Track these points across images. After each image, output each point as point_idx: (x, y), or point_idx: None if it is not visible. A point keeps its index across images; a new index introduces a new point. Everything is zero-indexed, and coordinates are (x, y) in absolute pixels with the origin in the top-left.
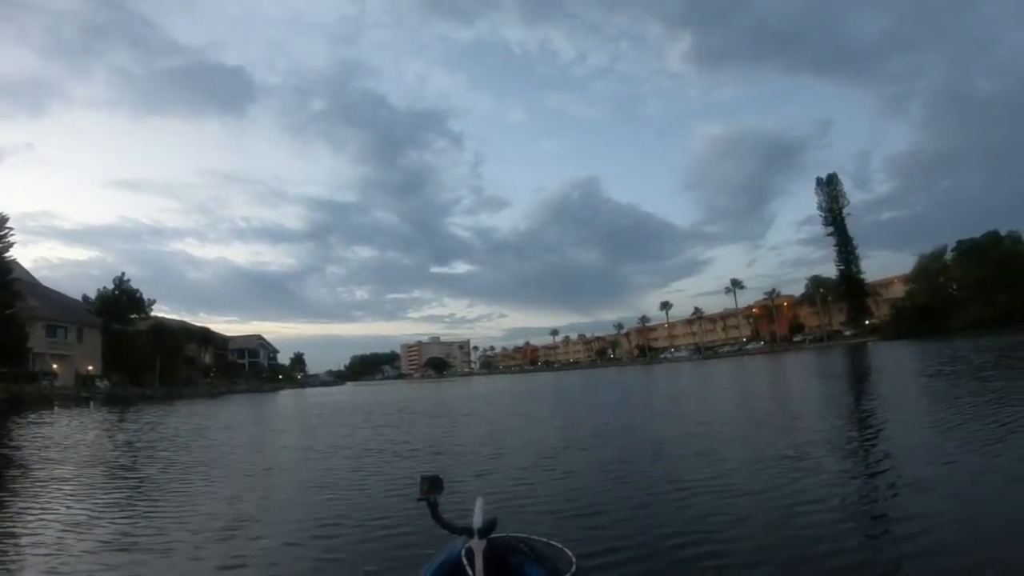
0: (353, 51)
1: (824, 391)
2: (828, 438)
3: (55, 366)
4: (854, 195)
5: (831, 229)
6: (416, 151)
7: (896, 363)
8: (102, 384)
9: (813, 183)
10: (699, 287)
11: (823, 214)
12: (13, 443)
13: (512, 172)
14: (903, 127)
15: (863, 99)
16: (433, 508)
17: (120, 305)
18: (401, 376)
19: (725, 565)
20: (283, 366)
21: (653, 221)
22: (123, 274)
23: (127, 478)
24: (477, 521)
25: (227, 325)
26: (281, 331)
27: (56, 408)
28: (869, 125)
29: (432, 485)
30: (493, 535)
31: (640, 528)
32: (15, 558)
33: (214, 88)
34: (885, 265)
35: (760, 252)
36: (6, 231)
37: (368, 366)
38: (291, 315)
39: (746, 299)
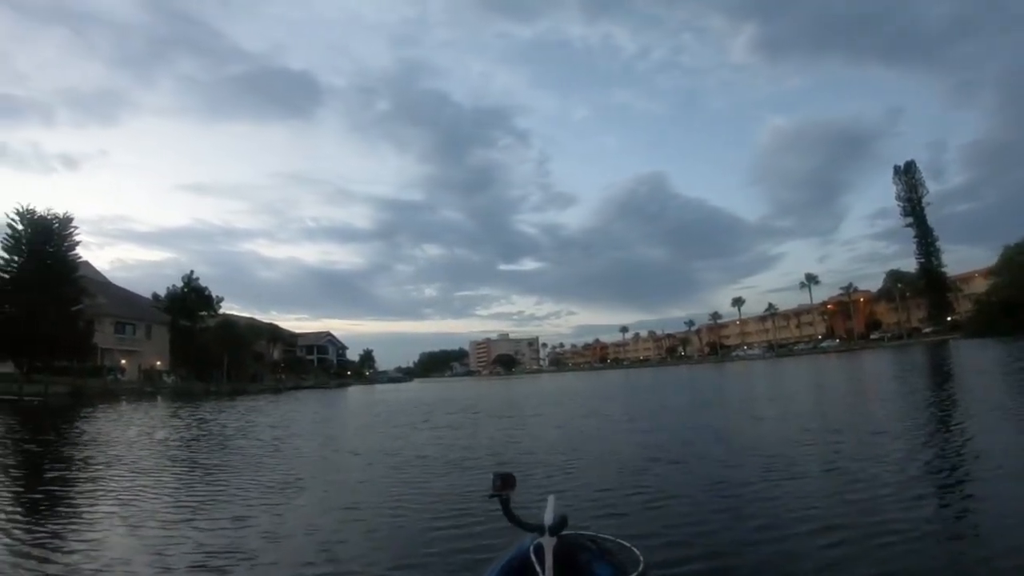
0: (416, 51)
1: (914, 394)
2: (927, 450)
3: (123, 361)
4: (928, 187)
5: (910, 220)
6: (482, 149)
7: (986, 362)
8: (168, 379)
9: (885, 175)
10: (770, 283)
11: (901, 204)
12: (46, 436)
13: (578, 168)
14: (976, 115)
15: (933, 86)
16: (505, 504)
17: (189, 302)
18: (469, 373)
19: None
20: (352, 363)
21: (721, 216)
22: (192, 272)
23: (134, 482)
24: (548, 518)
25: (297, 323)
26: (350, 329)
27: (123, 402)
28: (941, 113)
29: (505, 482)
30: (563, 533)
31: (715, 537)
32: None
33: (280, 92)
34: (961, 259)
35: (832, 247)
36: (71, 231)
37: (437, 363)
38: (360, 313)
39: (819, 295)
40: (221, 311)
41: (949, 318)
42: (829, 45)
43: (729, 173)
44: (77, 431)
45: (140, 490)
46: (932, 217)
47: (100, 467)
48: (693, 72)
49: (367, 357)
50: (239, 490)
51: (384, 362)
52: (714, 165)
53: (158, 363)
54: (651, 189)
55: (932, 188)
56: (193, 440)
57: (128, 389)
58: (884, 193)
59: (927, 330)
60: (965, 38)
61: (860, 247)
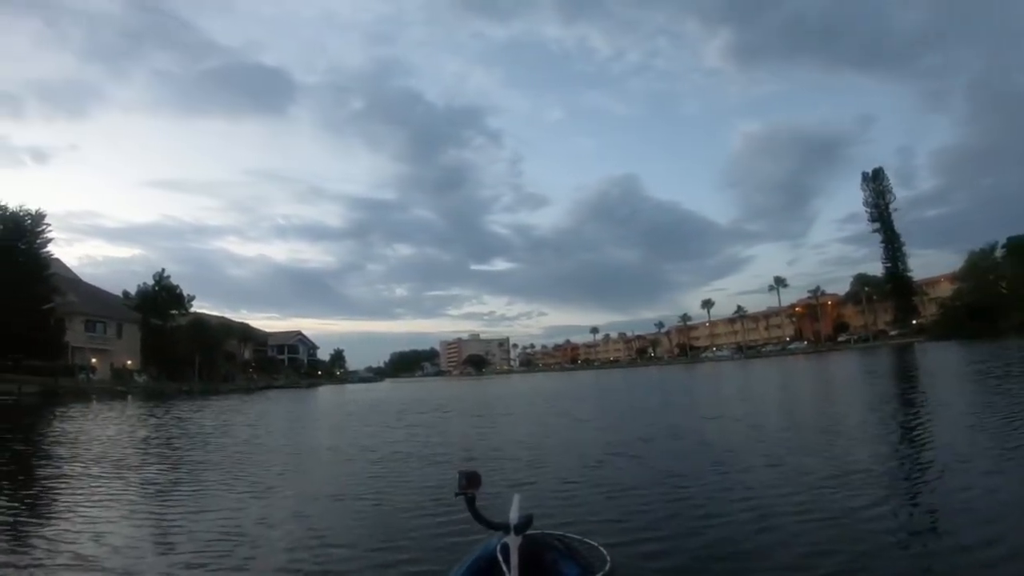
0: (390, 50)
1: (876, 394)
2: (883, 446)
3: (94, 360)
4: (897, 192)
5: (877, 226)
6: (455, 149)
7: (949, 364)
8: (140, 379)
9: (855, 180)
10: (740, 286)
11: (869, 210)
12: (22, 437)
13: (551, 170)
14: (945, 122)
15: (904, 94)
16: (471, 504)
17: (160, 301)
18: (440, 373)
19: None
20: (323, 362)
21: (693, 219)
22: (163, 270)
23: (126, 478)
24: (513, 517)
25: (267, 321)
26: (321, 328)
27: (94, 401)
28: (911, 121)
29: (470, 481)
30: (529, 532)
31: (679, 533)
32: None
33: (253, 88)
34: (928, 264)
35: (801, 251)
36: (43, 227)
37: (408, 363)
38: (331, 312)
39: (789, 298)
40: (192, 310)
41: (915, 321)
42: (802, 51)
43: (702, 176)
44: (55, 431)
45: (116, 491)
46: (901, 222)
47: (80, 466)
48: (667, 76)
49: (338, 357)
50: (216, 489)
51: (355, 362)
52: (687, 168)
53: (129, 362)
54: (623, 191)
55: (902, 193)
56: (168, 440)
57: (99, 389)
58: (854, 198)
59: (893, 333)
60: (936, 46)
61: (829, 251)
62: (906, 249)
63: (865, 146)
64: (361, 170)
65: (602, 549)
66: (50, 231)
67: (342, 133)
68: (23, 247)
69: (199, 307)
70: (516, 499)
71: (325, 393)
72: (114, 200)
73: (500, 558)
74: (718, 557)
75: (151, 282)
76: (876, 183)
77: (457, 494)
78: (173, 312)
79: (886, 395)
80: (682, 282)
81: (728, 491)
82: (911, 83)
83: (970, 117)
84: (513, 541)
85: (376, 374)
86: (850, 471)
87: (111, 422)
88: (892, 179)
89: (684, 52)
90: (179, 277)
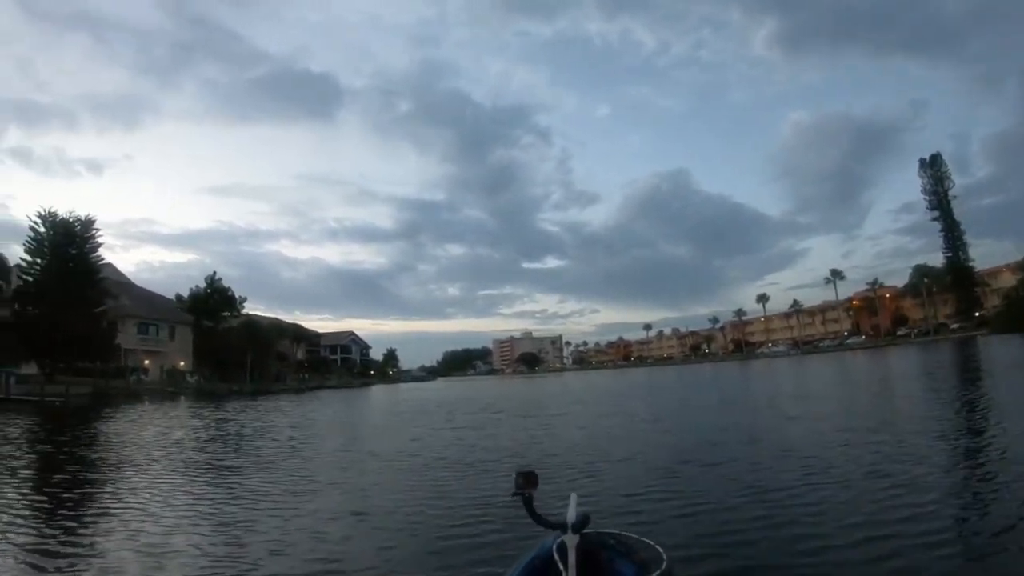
0: (435, 51)
1: (950, 392)
2: (972, 451)
3: (146, 362)
4: (953, 180)
5: (936, 214)
6: (503, 148)
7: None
8: (191, 379)
9: (909, 169)
10: (793, 280)
11: (927, 198)
12: (62, 437)
13: (600, 166)
14: (1000, 106)
15: (956, 78)
16: (528, 503)
17: (212, 303)
18: (492, 372)
19: None
20: (375, 362)
21: (744, 212)
22: (215, 273)
23: (150, 479)
24: (571, 517)
25: (320, 323)
26: (374, 328)
27: (145, 402)
28: (964, 106)
29: (527, 480)
30: (585, 531)
31: (745, 538)
32: None
33: (301, 94)
34: (986, 255)
35: (856, 242)
36: (92, 233)
37: (460, 362)
38: (384, 313)
39: (844, 291)
40: (244, 311)
41: (977, 314)
42: (850, 38)
43: (751, 168)
44: (94, 431)
45: (149, 491)
46: (957, 211)
47: (112, 468)
48: (713, 67)
49: (390, 356)
50: (251, 492)
51: (408, 361)
52: (736, 161)
53: (181, 363)
54: (673, 186)
55: (956, 181)
56: (210, 441)
57: (150, 390)
58: (908, 187)
59: (954, 326)
60: (988, 28)
61: (885, 242)
62: (965, 238)
63: (918, 133)
64: (410, 172)
65: (659, 548)
66: (100, 236)
67: (390, 135)
68: (73, 252)
69: (253, 309)
70: (573, 498)
71: (376, 393)
72: (168, 207)
73: (557, 557)
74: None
75: (204, 285)
76: (934, 169)
77: (514, 494)
78: (225, 314)
79: (961, 393)
80: (734, 277)
81: (825, 505)
82: (963, 67)
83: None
84: (571, 540)
85: (429, 373)
86: (976, 484)
87: (152, 423)
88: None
89: (729, 42)
90: (233, 280)
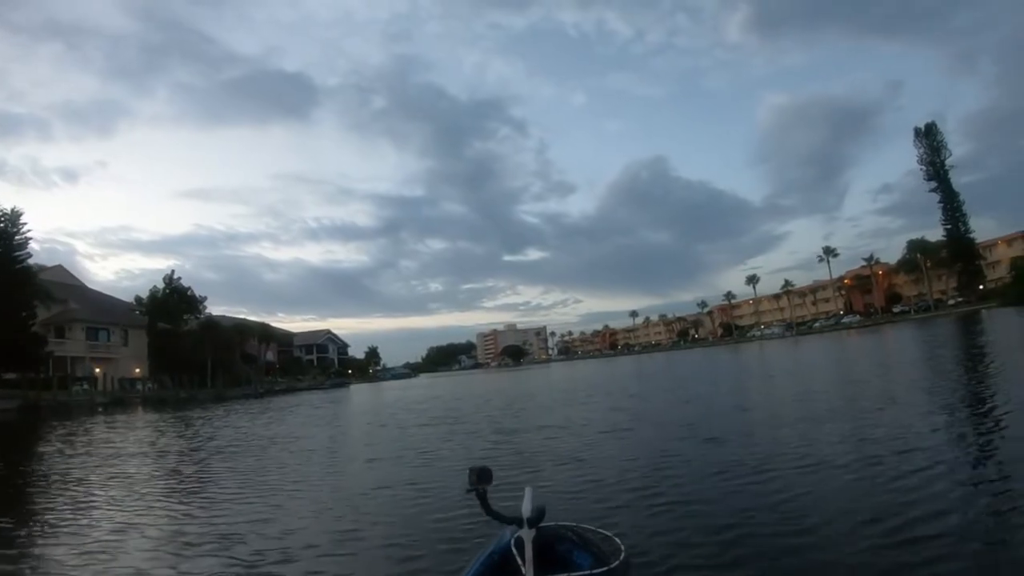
0: (409, 46)
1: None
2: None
3: (97, 370)
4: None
5: (933, 184)
6: (480, 141)
7: None
8: (142, 387)
9: (888, 150)
10: (775, 263)
11: (924, 168)
12: None
13: (578, 156)
14: (977, 85)
15: (933, 58)
16: (482, 499)
17: (170, 304)
18: (477, 366)
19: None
20: (357, 360)
21: (725, 197)
22: (172, 271)
23: None
24: (526, 510)
25: (304, 324)
26: (358, 327)
27: (76, 416)
28: (941, 85)
29: (481, 476)
30: (541, 524)
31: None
32: None
33: (276, 94)
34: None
35: (837, 224)
36: (19, 228)
37: (445, 357)
38: (367, 310)
39: (828, 272)
40: (211, 312)
41: (981, 287)
42: (826, 19)
43: (731, 154)
44: None
45: None
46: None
47: None
48: (689, 53)
49: (372, 354)
50: None
51: (392, 358)
52: (715, 146)
53: (137, 370)
54: (652, 174)
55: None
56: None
57: (91, 401)
58: (887, 168)
59: (951, 301)
60: (963, 6)
61: (865, 223)
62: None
63: (895, 113)
64: (388, 168)
65: (616, 539)
66: (28, 231)
67: (367, 133)
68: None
69: (237, 313)
70: (528, 492)
71: (344, 395)
72: (146, 213)
73: (515, 551)
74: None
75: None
76: (930, 138)
77: (468, 490)
78: (186, 316)
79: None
80: (717, 262)
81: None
82: (940, 46)
83: (1001, 78)
84: (527, 534)
85: (411, 370)
86: None
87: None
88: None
89: (705, 28)
90: (217, 284)
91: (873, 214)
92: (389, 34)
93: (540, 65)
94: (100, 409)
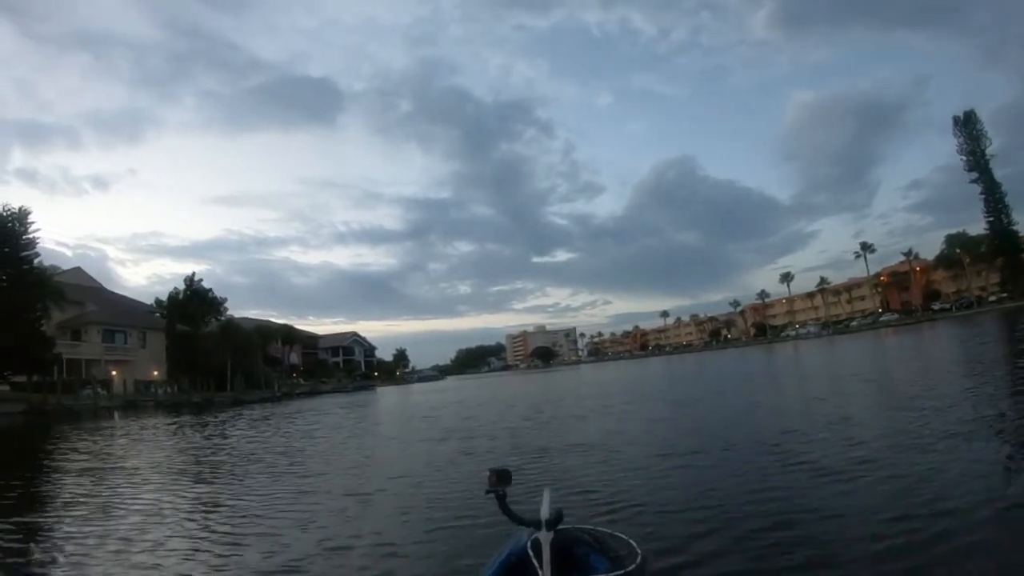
0: (433, 50)
1: None
2: None
3: (113, 372)
4: (957, 156)
5: (975, 175)
6: (506, 143)
7: None
8: (159, 391)
9: (916, 145)
10: (805, 262)
11: (964, 158)
12: None
13: (605, 156)
14: (1005, 77)
15: (959, 50)
16: (501, 500)
17: (190, 306)
18: (507, 367)
19: None
20: (385, 363)
21: (752, 196)
22: (193, 274)
23: None
24: (544, 513)
25: (334, 327)
26: (387, 329)
27: (84, 420)
28: (968, 79)
29: (500, 478)
30: (559, 527)
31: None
32: None
33: (302, 100)
34: None
35: (866, 222)
36: (27, 227)
37: (474, 359)
38: (396, 313)
39: (859, 271)
40: (233, 315)
41: None
42: (851, 14)
43: (757, 152)
44: None
45: None
46: (967, 185)
47: None
48: (714, 51)
49: (400, 356)
50: None
51: (421, 361)
52: (741, 145)
53: (155, 373)
54: (679, 173)
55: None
56: None
57: (103, 406)
58: (915, 164)
59: (992, 298)
60: None
61: (894, 220)
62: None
63: (923, 108)
64: (415, 171)
65: (632, 542)
66: (36, 231)
67: (393, 136)
68: (6, 250)
69: (268, 316)
70: (547, 494)
71: (366, 398)
72: (176, 219)
73: (531, 554)
74: None
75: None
76: (969, 127)
77: (488, 491)
78: (207, 318)
79: None
80: (746, 262)
81: None
82: (966, 39)
83: None
84: (545, 536)
85: (440, 372)
86: None
87: None
88: (954, 141)
89: (729, 25)
90: (244, 288)
91: (903, 211)
92: (412, 38)
93: (564, 66)
94: (107, 414)
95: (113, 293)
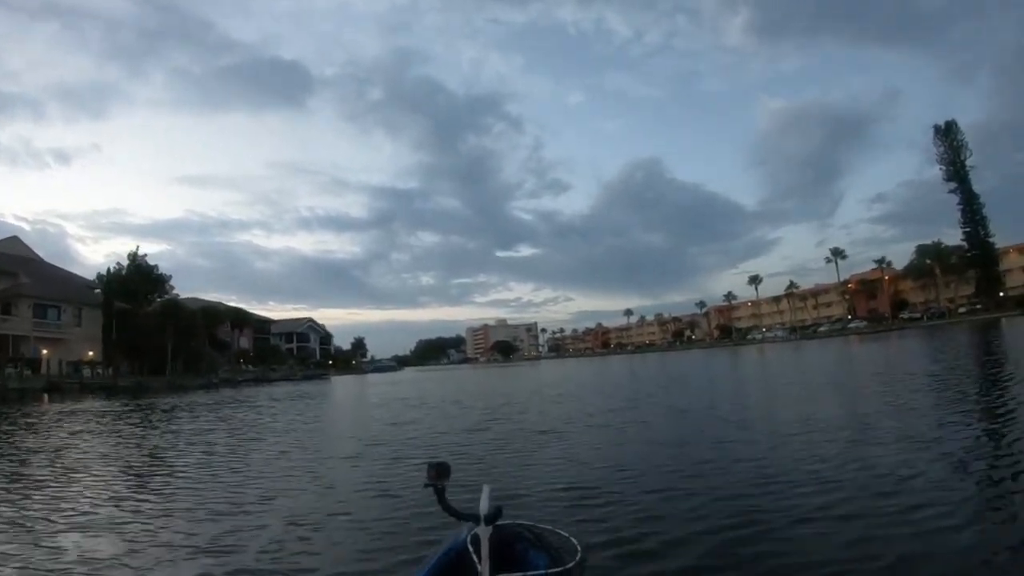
0: (407, 39)
1: None
2: None
3: (44, 351)
4: (926, 171)
5: (953, 185)
6: (475, 136)
7: None
8: (89, 372)
9: (883, 159)
10: (767, 268)
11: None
12: None
13: (574, 154)
14: (974, 96)
15: (931, 68)
16: (440, 495)
17: (133, 283)
18: (466, 360)
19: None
20: (342, 351)
21: (718, 200)
22: (137, 248)
23: None
24: (483, 508)
25: (295, 312)
26: (348, 318)
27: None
28: (939, 96)
29: (439, 472)
30: (498, 523)
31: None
32: None
33: (273, 82)
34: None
35: (829, 231)
36: None
37: (433, 350)
38: (358, 302)
39: (822, 278)
40: (188, 295)
41: (1001, 294)
42: (826, 25)
43: (726, 157)
44: None
45: None
46: (931, 200)
47: None
48: (688, 55)
49: (358, 345)
50: None
51: (381, 350)
52: (711, 149)
53: (90, 353)
54: (647, 174)
55: (931, 172)
56: None
57: (21, 388)
58: (881, 177)
59: (961, 309)
60: (963, 18)
61: (858, 231)
62: (933, 231)
63: (891, 123)
64: (383, 160)
65: (573, 540)
66: None
67: (363, 124)
68: None
69: (226, 300)
70: (486, 490)
71: (313, 389)
72: (139, 197)
73: (470, 548)
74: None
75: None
76: (950, 137)
77: (426, 485)
78: (150, 297)
79: None
80: (709, 265)
81: None
82: (938, 58)
83: (999, 90)
84: (483, 532)
85: (397, 362)
86: None
87: None
88: (921, 156)
89: (704, 30)
90: (205, 271)
91: (867, 222)
92: (387, 26)
93: (538, 62)
94: (17, 396)
95: (51, 266)
